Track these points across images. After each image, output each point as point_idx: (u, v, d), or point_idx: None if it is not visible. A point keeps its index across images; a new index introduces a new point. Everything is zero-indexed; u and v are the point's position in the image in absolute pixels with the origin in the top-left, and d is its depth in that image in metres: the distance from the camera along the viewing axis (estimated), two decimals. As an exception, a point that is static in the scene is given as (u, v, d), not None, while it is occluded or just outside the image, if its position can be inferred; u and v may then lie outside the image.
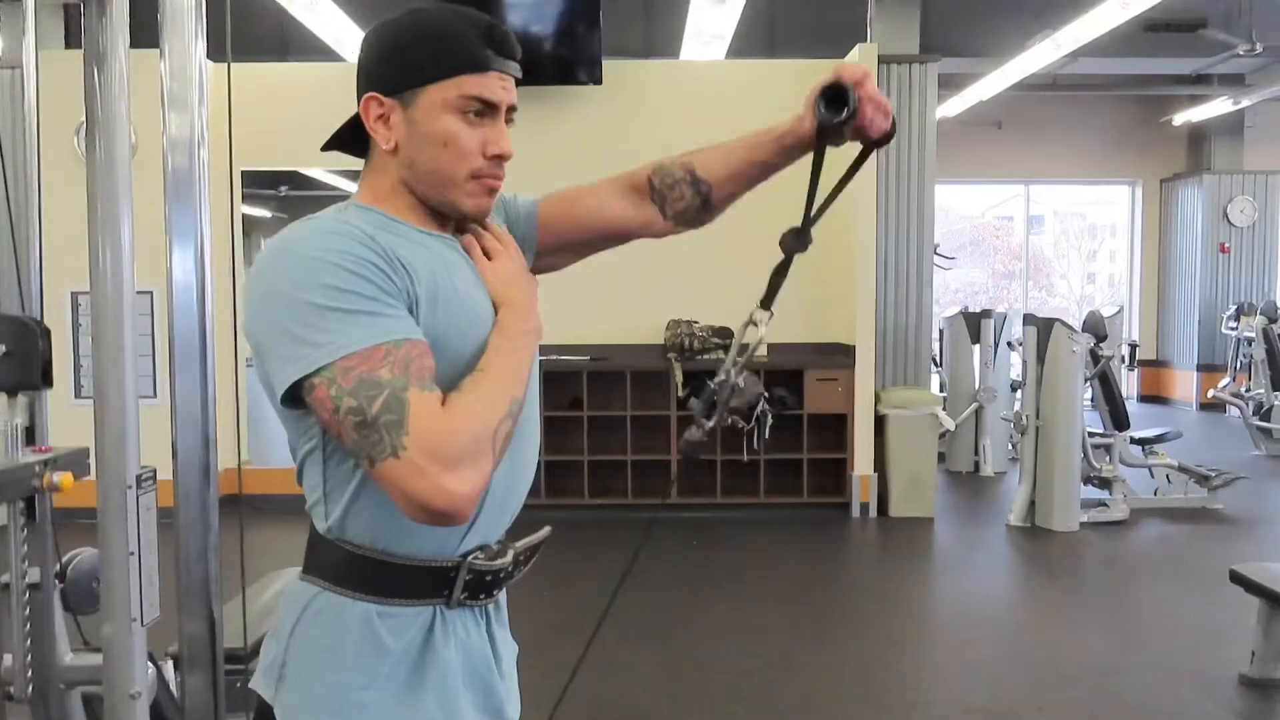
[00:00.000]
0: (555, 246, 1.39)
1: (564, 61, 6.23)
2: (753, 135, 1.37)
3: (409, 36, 1.15)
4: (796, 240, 1.32)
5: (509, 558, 1.20)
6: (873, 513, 6.13)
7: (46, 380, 1.80)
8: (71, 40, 6.79)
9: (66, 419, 6.26)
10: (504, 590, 1.26)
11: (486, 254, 1.22)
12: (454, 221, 1.22)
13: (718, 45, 7.20)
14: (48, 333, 1.81)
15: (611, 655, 3.86)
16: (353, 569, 1.12)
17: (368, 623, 1.11)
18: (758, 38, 7.41)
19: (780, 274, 1.33)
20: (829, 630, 4.21)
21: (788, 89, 6.35)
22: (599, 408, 6.28)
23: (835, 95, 1.23)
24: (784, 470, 6.28)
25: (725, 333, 6.40)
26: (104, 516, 1.48)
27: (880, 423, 6.16)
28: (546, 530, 1.33)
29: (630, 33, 7.84)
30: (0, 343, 1.67)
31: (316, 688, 1.11)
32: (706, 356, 6.26)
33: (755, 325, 1.33)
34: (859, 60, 6.06)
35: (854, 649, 3.98)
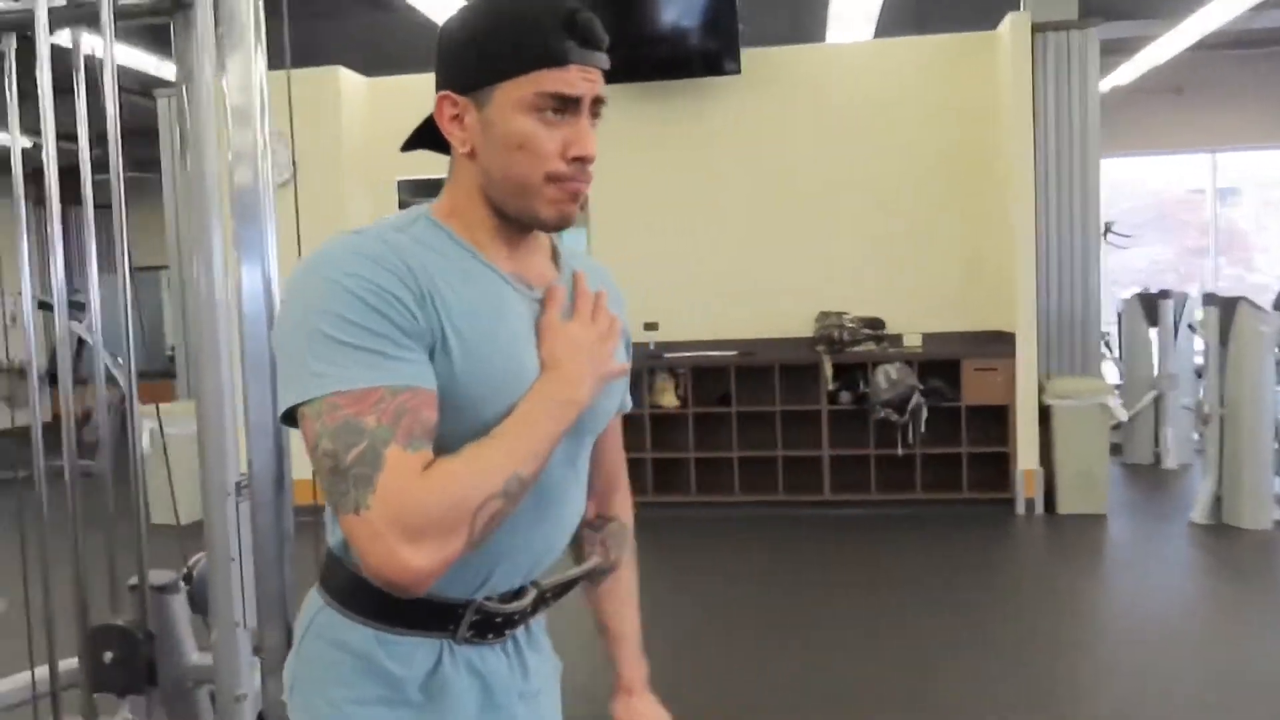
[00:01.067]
0: None
1: (704, 53, 6.17)
2: (622, 631, 1.38)
3: (483, 27, 1.04)
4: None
5: (527, 600, 1.13)
6: (1039, 509, 5.78)
7: (152, 681, 1.84)
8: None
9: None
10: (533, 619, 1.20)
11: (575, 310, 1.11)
12: (537, 249, 1.14)
13: (864, 27, 6.99)
14: (151, 637, 1.84)
15: (749, 655, 3.79)
16: (357, 592, 1.07)
17: (368, 648, 1.07)
18: (905, 15, 7.13)
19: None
20: (988, 634, 3.99)
21: (936, 66, 6.14)
22: (748, 403, 6.19)
23: None
24: (942, 465, 6.02)
25: (876, 324, 6.20)
26: (207, 523, 1.53)
27: (1045, 414, 5.81)
28: (590, 564, 1.28)
29: (773, 20, 7.69)
30: (108, 650, 1.72)
31: (318, 701, 1.09)
32: (856, 349, 6.08)
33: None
34: (1011, 30, 5.73)
35: (1014, 654, 3.76)
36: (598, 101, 1.07)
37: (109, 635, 1.77)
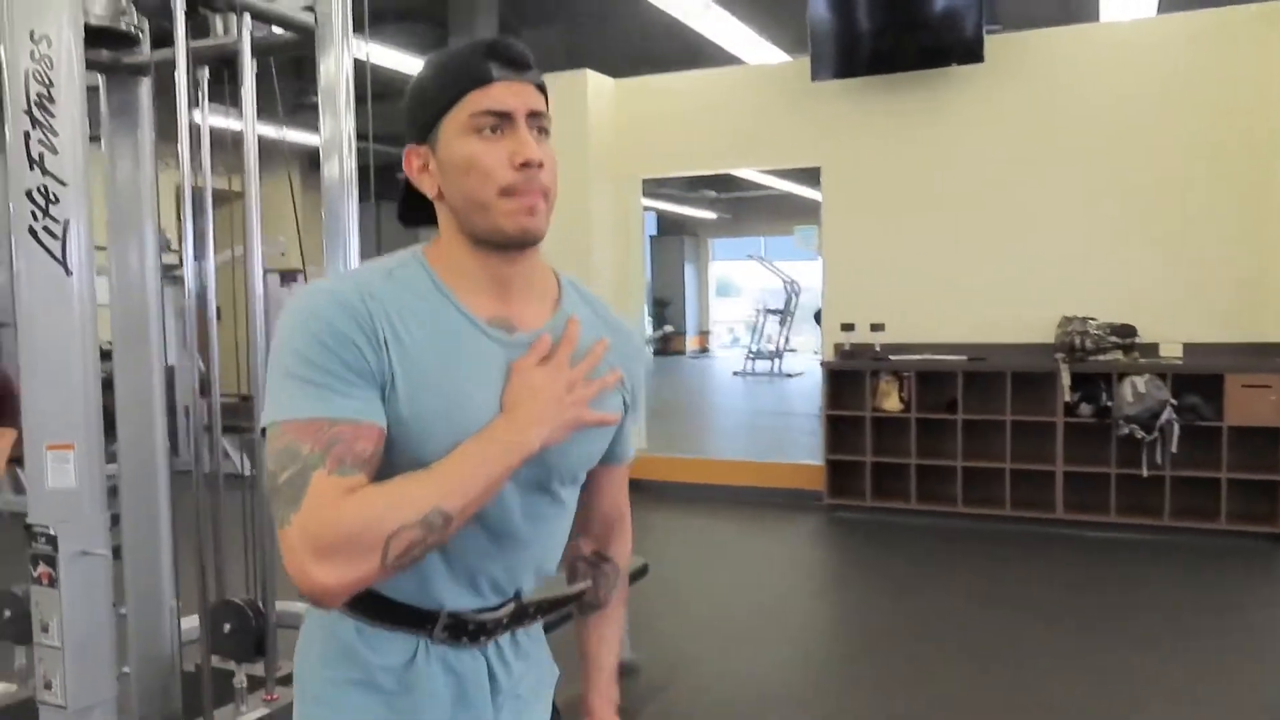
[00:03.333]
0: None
1: (942, 41, 5.89)
2: (600, 659, 1.41)
3: (425, 78, 1.15)
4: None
5: (504, 611, 1.19)
6: (1313, 548, 5.06)
7: (260, 652, 2.07)
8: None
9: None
10: (527, 626, 1.26)
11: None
12: (536, 286, 1.19)
13: (1146, 2, 6.31)
14: (262, 613, 2.07)
15: (949, 673, 3.65)
16: None
17: (349, 637, 1.17)
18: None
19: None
20: (1228, 678, 3.58)
21: (1213, 46, 5.45)
22: (975, 411, 5.89)
23: None
24: (1195, 490, 5.41)
25: (1126, 330, 5.66)
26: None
27: (1326, 440, 5.07)
28: (580, 585, 1.33)
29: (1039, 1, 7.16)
30: (226, 622, 1.99)
31: (310, 678, 1.20)
32: (1100, 358, 5.59)
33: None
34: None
35: (1256, 703, 3.36)
36: (536, 115, 1.12)
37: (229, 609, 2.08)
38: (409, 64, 8.32)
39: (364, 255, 2.00)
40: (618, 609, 1.44)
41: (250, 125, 2.12)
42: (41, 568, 1.73)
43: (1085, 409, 5.62)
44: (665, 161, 7.15)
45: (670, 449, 7.38)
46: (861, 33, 6.05)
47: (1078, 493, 5.66)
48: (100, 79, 2.51)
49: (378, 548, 0.99)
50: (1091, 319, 5.72)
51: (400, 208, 1.21)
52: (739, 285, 20.29)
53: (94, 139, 2.23)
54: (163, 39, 2.27)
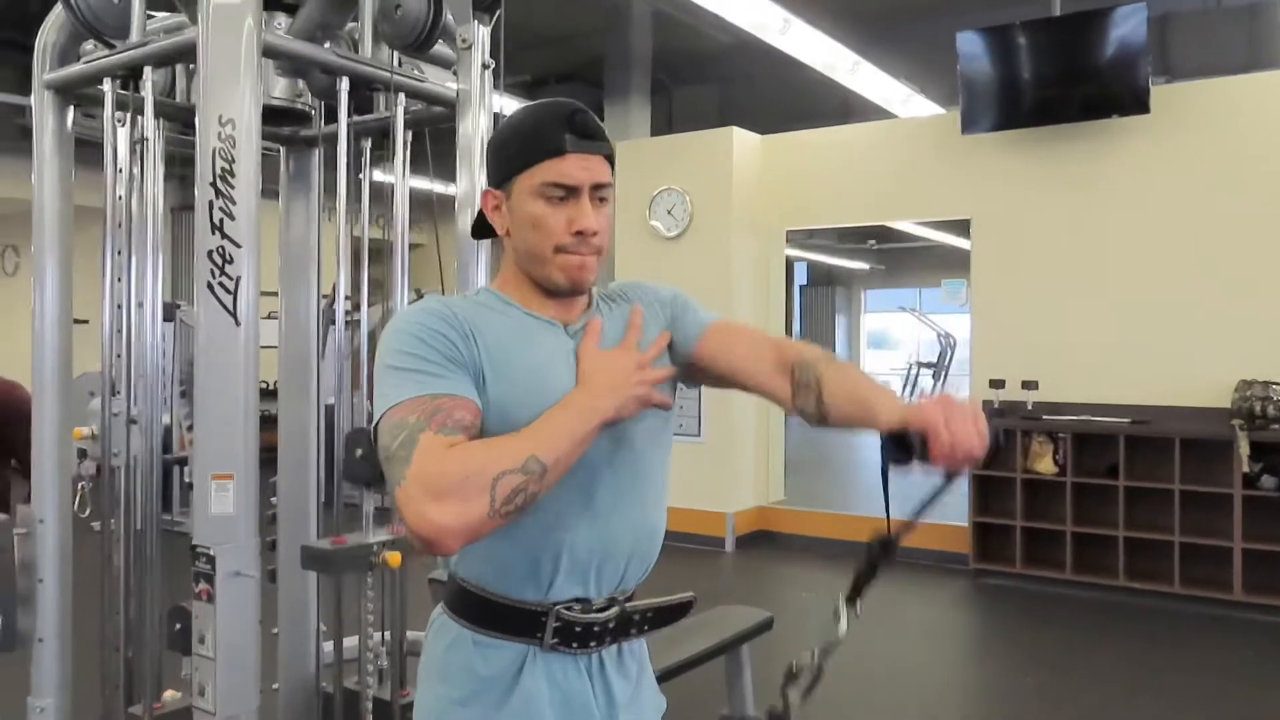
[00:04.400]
0: (701, 369, 1.41)
1: (1104, 92, 5.70)
2: (867, 395, 1.28)
3: (506, 134, 1.30)
4: (883, 552, 1.28)
5: (610, 614, 1.28)
6: None
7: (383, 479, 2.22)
8: (655, 128, 8.01)
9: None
10: (632, 642, 1.33)
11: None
12: (577, 301, 1.34)
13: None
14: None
15: None
16: (463, 600, 1.29)
17: (467, 648, 1.27)
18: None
19: (868, 578, 1.30)
20: None
21: None
22: (1140, 478, 5.57)
23: (900, 441, 1.16)
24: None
25: (1311, 397, 5.26)
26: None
27: None
28: (687, 595, 1.39)
29: (1218, 50, 6.86)
30: (359, 448, 2.15)
31: (427, 696, 1.30)
32: (1282, 426, 5.22)
33: (837, 620, 1.30)
34: None
35: None
36: (600, 186, 1.27)
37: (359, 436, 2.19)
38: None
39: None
40: (845, 368, 1.36)
41: (401, 190, 2.31)
42: (202, 585, 1.92)
43: (1268, 481, 5.24)
44: (810, 214, 7.17)
45: (808, 503, 7.30)
46: (1021, 84, 5.91)
47: (1258, 573, 5.24)
48: (281, 150, 2.81)
49: (486, 489, 1.09)
50: (1275, 384, 5.35)
51: (473, 227, 1.43)
52: (895, 338, 19.86)
53: (273, 195, 2.50)
54: (332, 115, 2.53)
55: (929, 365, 15.19)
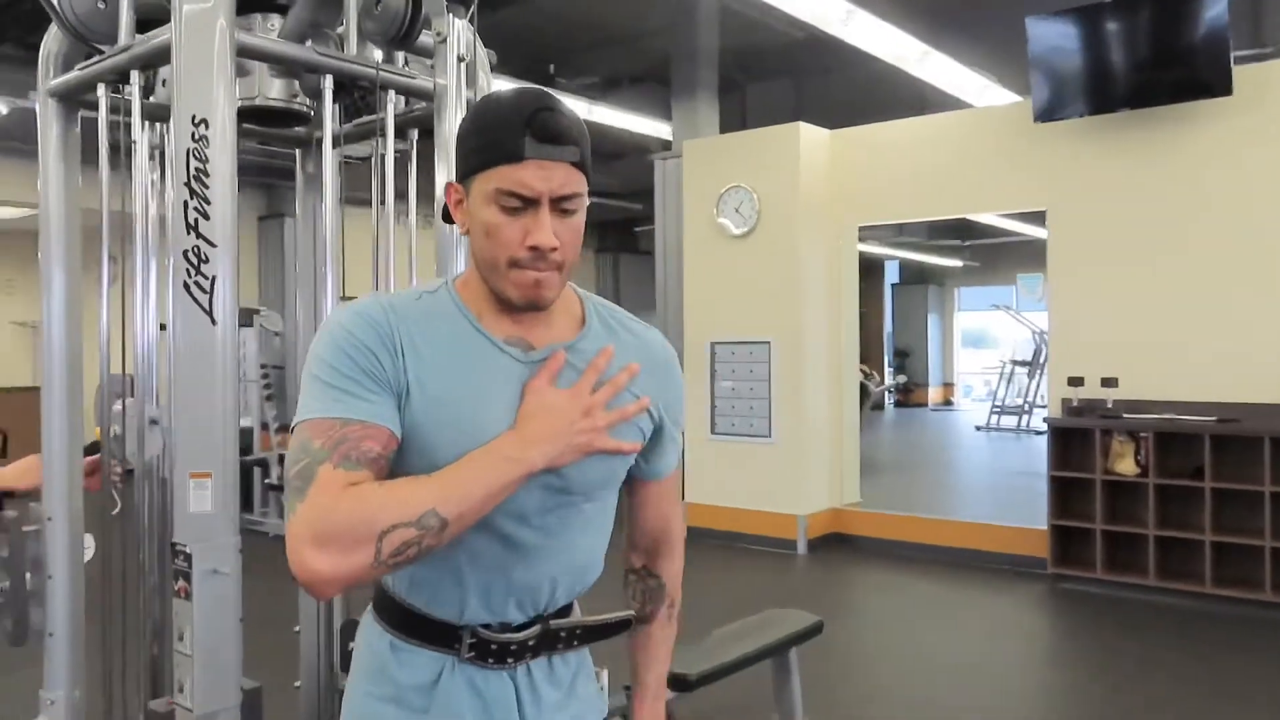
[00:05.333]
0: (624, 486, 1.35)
1: (1184, 75, 5.38)
2: (643, 662, 1.44)
3: (469, 127, 1.17)
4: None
5: (530, 632, 1.22)
6: None
7: None
8: (728, 126, 7.90)
9: (705, 451, 7.22)
10: (572, 653, 1.28)
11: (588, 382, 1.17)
12: (544, 318, 1.21)
13: None
14: None
15: None
16: (385, 605, 1.25)
17: (386, 653, 1.23)
18: None
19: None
20: None
21: None
22: (1227, 479, 5.24)
23: None
24: None
25: None
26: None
27: None
28: (614, 615, 1.32)
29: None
30: (351, 640, 2.12)
31: (354, 692, 1.26)
32: (1383, 422, 4.84)
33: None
34: None
35: None
36: (563, 199, 1.13)
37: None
38: (640, 125, 8.69)
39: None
40: (666, 627, 1.44)
41: (389, 187, 2.31)
42: (180, 582, 1.94)
43: None
44: (881, 209, 6.97)
45: (888, 505, 7.10)
46: (1096, 69, 5.61)
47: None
48: (298, 152, 2.85)
49: (370, 541, 1.02)
50: (1373, 378, 4.97)
51: (444, 212, 1.27)
52: (991, 336, 19.24)
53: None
54: (347, 115, 2.55)
55: (1023, 364, 14.67)
